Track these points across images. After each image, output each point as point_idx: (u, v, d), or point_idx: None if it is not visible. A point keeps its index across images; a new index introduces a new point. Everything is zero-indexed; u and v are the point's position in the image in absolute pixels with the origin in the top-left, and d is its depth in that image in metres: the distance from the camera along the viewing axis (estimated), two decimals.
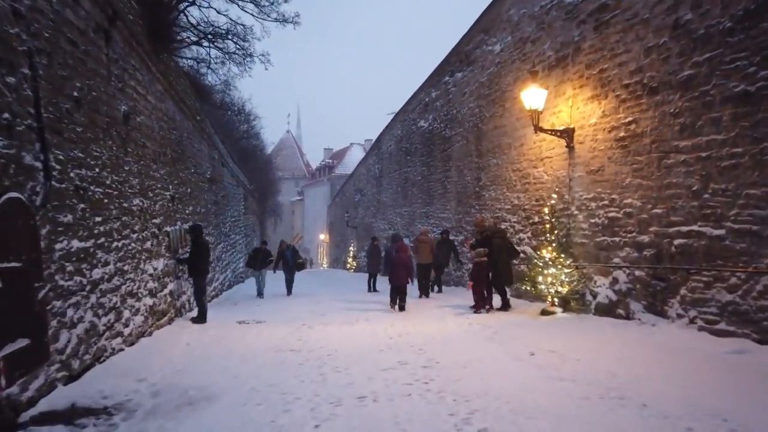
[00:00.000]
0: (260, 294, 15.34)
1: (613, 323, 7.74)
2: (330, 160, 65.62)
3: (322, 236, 57.44)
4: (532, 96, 9.29)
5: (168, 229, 9.50)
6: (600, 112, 8.61)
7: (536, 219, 10.75)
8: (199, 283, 9.86)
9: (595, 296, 8.65)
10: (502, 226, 12.23)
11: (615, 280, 8.16)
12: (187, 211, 11.38)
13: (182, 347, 7.57)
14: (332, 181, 55.77)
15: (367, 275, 16.74)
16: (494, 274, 10.09)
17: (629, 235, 7.89)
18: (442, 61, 16.98)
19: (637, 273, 7.67)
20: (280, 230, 66.10)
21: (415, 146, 19.94)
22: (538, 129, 9.40)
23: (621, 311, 7.98)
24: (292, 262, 16.20)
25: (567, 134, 9.38)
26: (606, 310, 8.30)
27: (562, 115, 9.71)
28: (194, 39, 23.62)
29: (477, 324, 8.79)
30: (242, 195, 25.70)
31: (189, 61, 25.19)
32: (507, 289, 10.34)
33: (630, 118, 7.89)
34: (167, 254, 9.34)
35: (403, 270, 11.14)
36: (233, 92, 30.94)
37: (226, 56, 23.70)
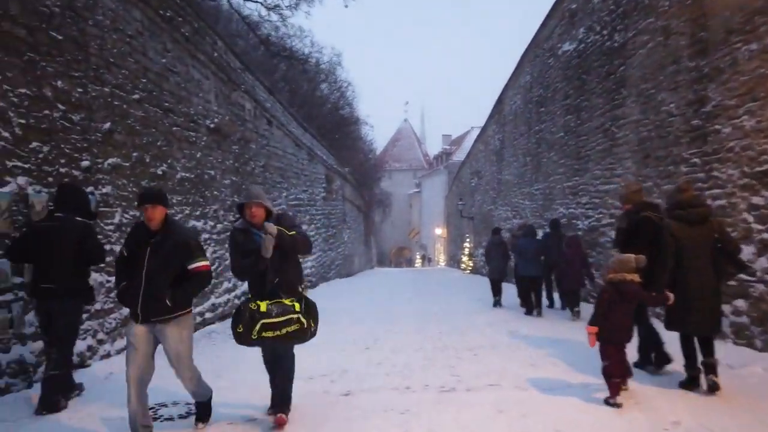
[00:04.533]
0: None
1: None
2: (448, 147, 58.82)
3: (438, 231, 51.09)
4: None
5: None
6: None
7: None
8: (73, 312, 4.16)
9: None
10: (760, 201, 5.11)
11: None
12: (109, 162, 5.76)
13: None
14: (450, 168, 48.68)
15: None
16: (682, 308, 4.19)
17: None
18: None
19: None
20: (396, 224, 61.39)
21: (555, 86, 12.84)
22: None
23: None
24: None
25: None
26: None
27: None
28: None
29: None
30: (323, 175, 20.31)
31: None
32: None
33: None
34: None
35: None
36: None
37: None
